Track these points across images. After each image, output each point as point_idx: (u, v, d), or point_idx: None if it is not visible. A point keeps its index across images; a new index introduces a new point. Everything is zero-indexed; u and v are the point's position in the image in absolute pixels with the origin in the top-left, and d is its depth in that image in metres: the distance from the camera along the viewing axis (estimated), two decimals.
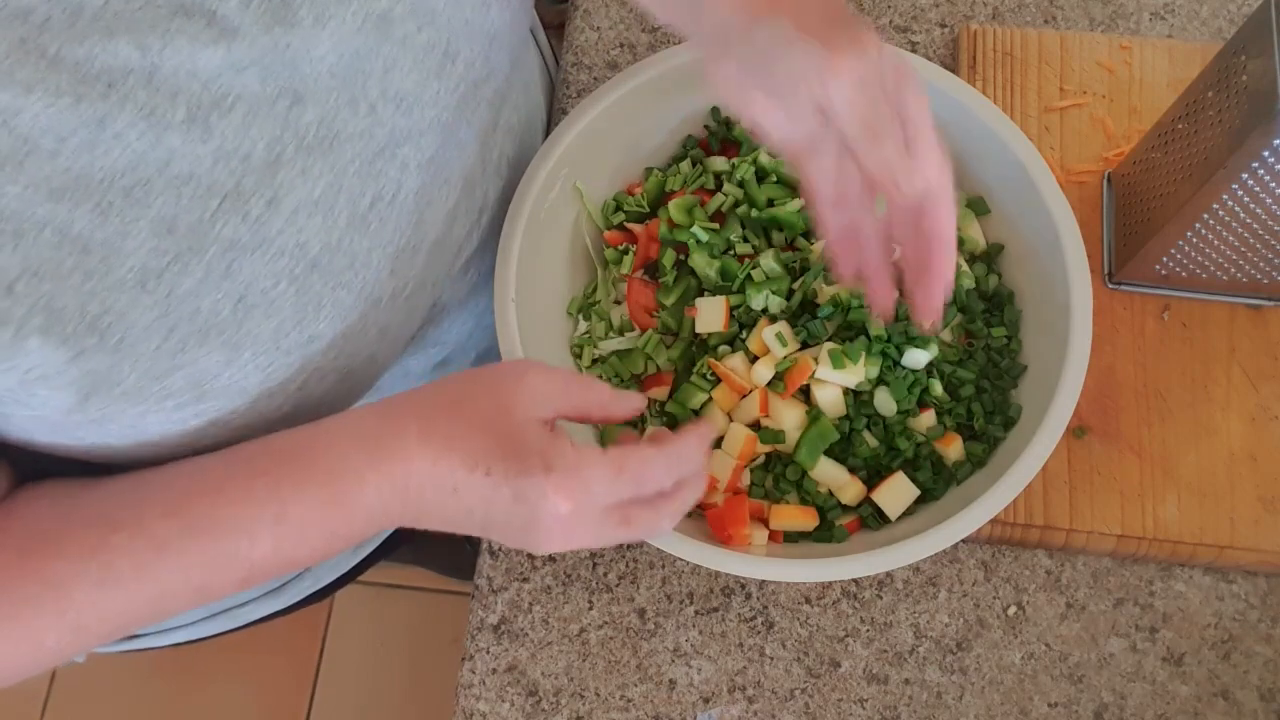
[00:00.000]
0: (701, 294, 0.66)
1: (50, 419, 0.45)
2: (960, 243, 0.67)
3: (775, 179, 0.68)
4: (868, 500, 0.62)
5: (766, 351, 0.63)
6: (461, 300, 0.66)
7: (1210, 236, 0.64)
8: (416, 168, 0.50)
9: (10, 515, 0.48)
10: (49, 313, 0.40)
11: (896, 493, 0.61)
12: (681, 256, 0.67)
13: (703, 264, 0.65)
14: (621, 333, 0.68)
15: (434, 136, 0.51)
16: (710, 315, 0.64)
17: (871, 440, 0.62)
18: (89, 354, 0.42)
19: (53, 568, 0.46)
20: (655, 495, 0.50)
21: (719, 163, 0.69)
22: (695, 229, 0.65)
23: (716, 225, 0.66)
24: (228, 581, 0.48)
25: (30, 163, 0.37)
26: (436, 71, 0.49)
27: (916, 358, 0.62)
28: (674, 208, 0.67)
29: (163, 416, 0.47)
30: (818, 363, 0.61)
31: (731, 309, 0.64)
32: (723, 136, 0.71)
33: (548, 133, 0.75)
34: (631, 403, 0.53)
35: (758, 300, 0.64)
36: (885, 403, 0.61)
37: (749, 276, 0.65)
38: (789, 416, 0.61)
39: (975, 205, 0.68)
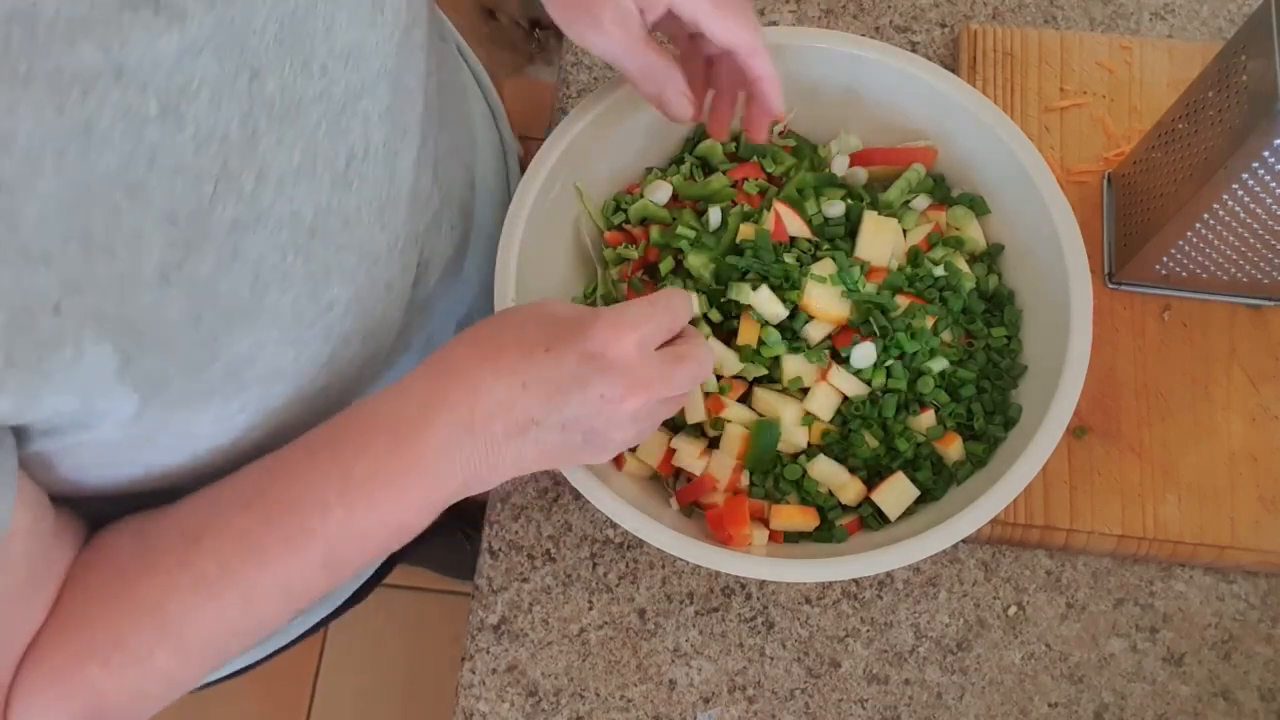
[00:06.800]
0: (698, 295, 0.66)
1: (106, 442, 0.45)
2: (960, 243, 0.67)
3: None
4: (868, 500, 0.62)
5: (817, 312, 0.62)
6: (444, 260, 0.67)
7: (1210, 236, 0.64)
8: (379, 119, 0.52)
9: (98, 554, 0.49)
10: (98, 321, 0.40)
11: (896, 493, 0.61)
12: (680, 258, 0.67)
13: (698, 265, 0.65)
14: None
15: (385, 86, 0.52)
16: (769, 306, 0.62)
17: (871, 440, 0.62)
18: (136, 357, 0.42)
19: (144, 587, 0.47)
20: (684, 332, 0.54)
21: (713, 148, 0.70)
22: (681, 230, 0.65)
23: (697, 228, 0.66)
24: (310, 569, 0.48)
25: (40, 181, 0.38)
26: (370, 21, 0.50)
27: (864, 352, 0.61)
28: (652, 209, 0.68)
29: (209, 415, 0.48)
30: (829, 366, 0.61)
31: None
32: (729, 152, 0.71)
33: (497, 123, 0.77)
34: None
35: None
36: (865, 356, 0.61)
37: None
38: (788, 413, 0.61)
39: (976, 205, 0.68)
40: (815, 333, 0.62)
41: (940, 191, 0.70)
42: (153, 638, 0.47)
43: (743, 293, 0.61)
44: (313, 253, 0.48)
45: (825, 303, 0.61)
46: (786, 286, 0.62)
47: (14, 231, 0.37)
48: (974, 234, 0.68)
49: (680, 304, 0.53)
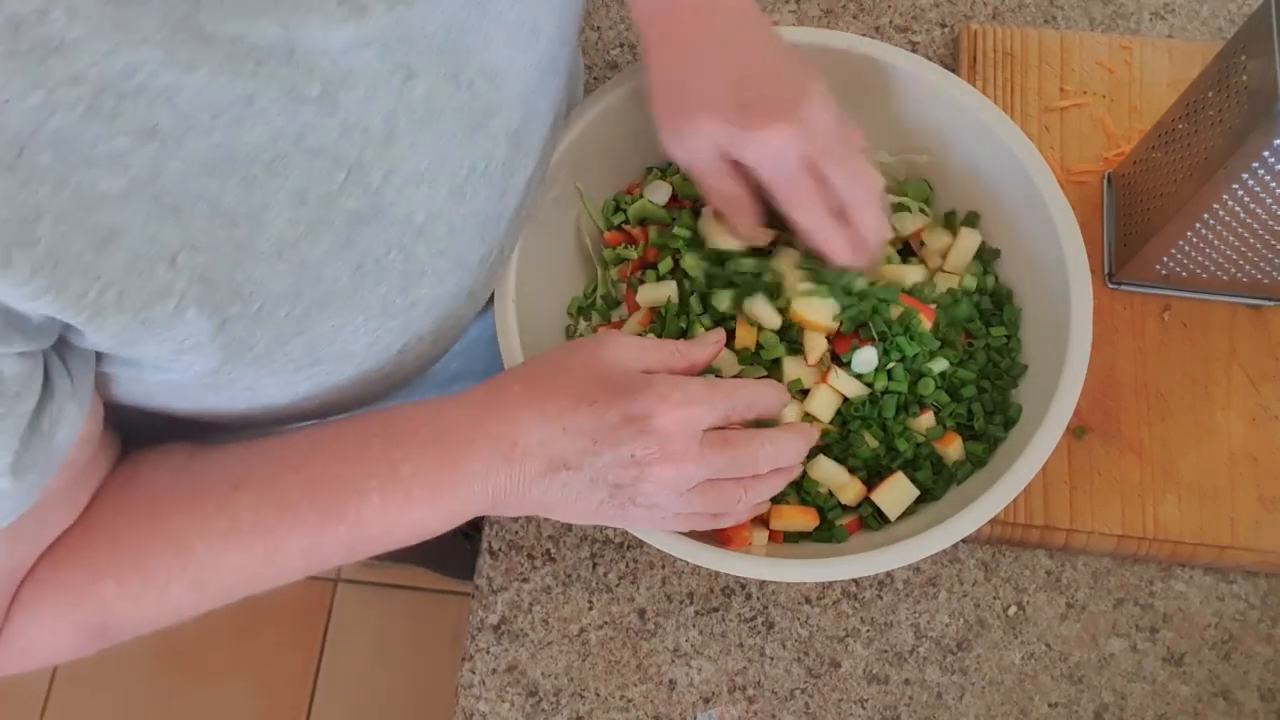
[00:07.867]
0: (692, 295, 0.65)
1: (179, 383, 0.47)
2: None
3: None
4: (867, 500, 0.62)
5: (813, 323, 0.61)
6: None
7: (1210, 236, 0.64)
8: (505, 138, 0.53)
9: (136, 477, 0.51)
10: (204, 284, 0.42)
11: (896, 493, 0.61)
12: (678, 259, 0.67)
13: (693, 265, 0.65)
14: None
15: (518, 109, 0.54)
16: (821, 314, 0.61)
17: (871, 440, 0.62)
18: (233, 322, 0.44)
19: (177, 522, 0.49)
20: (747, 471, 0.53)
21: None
22: (678, 230, 0.65)
23: (695, 229, 0.66)
24: (334, 543, 0.50)
25: (189, 139, 0.39)
26: (524, 46, 0.52)
27: (866, 357, 0.61)
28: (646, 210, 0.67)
29: (278, 380, 0.49)
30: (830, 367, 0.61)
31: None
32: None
33: None
34: (709, 342, 0.57)
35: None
36: (867, 361, 0.61)
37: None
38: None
39: (968, 220, 0.68)
40: (812, 350, 0.61)
41: (933, 210, 0.69)
42: (174, 570, 0.49)
43: (723, 300, 0.62)
44: (414, 253, 0.50)
45: (815, 315, 0.61)
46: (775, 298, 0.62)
47: (153, 179, 0.38)
48: (967, 244, 0.68)
49: (749, 396, 0.53)
